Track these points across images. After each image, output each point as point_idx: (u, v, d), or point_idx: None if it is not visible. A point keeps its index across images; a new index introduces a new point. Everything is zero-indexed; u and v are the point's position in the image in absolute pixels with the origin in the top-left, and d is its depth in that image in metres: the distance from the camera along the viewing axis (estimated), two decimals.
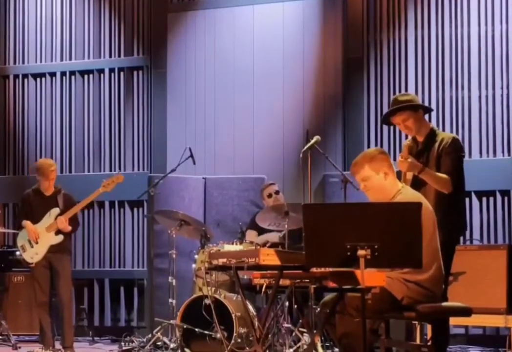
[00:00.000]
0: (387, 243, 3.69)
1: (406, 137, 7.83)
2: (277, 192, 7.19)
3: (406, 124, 5.08)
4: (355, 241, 3.68)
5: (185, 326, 6.36)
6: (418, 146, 5.13)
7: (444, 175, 4.87)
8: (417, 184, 4.94)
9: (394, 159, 7.66)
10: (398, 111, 5.07)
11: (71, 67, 9.00)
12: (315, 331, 4.61)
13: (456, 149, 4.99)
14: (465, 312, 4.41)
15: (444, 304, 4.34)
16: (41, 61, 9.15)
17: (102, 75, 8.91)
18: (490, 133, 7.56)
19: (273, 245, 6.65)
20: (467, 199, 7.35)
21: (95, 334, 8.05)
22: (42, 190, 6.85)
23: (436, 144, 5.00)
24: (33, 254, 6.75)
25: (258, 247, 6.14)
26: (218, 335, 6.10)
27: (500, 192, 7.40)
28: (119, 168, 8.73)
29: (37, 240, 6.73)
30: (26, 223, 6.80)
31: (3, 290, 7.94)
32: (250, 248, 6.08)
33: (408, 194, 4.36)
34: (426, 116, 5.27)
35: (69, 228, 6.71)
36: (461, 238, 7.46)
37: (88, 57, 8.98)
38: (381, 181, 4.36)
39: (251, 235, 7.11)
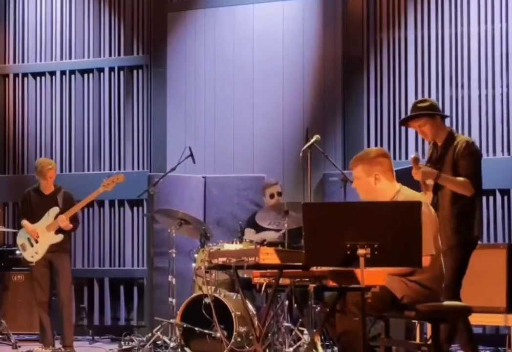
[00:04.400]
0: (387, 242, 3.69)
1: (406, 137, 7.85)
2: (279, 194, 7.20)
3: (422, 129, 5.23)
4: (355, 240, 3.68)
5: (185, 325, 6.36)
6: (438, 151, 5.24)
7: (462, 179, 4.97)
8: (437, 188, 5.07)
9: (394, 158, 7.70)
10: (415, 118, 5.22)
11: (71, 66, 8.99)
12: (314, 330, 4.62)
13: (471, 152, 5.09)
14: (465, 311, 4.41)
15: (444, 303, 4.35)
16: (41, 60, 9.15)
17: (102, 74, 8.91)
18: (490, 132, 7.56)
19: (270, 244, 6.66)
20: None
21: (95, 333, 8.05)
22: (42, 189, 6.86)
23: (451, 149, 5.10)
24: (33, 253, 6.76)
25: (258, 246, 6.15)
26: (218, 334, 6.10)
27: (500, 191, 7.40)
28: (119, 167, 8.73)
29: (37, 239, 6.74)
30: (25, 222, 6.81)
31: (3, 289, 7.94)
32: (250, 247, 6.10)
33: (409, 195, 4.37)
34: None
35: (70, 226, 6.71)
36: None
37: (88, 56, 8.97)
38: (370, 184, 4.38)
39: (249, 233, 7.11)
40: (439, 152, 5.20)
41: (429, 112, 5.20)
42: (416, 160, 5.03)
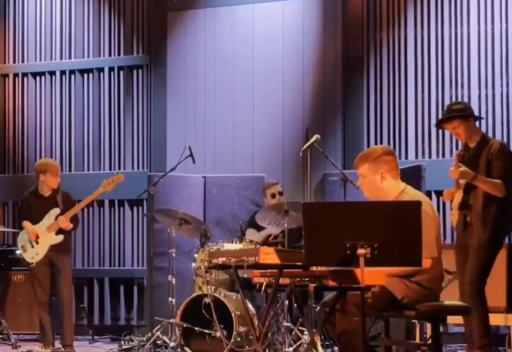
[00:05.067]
0: (387, 242, 3.69)
1: (406, 137, 7.84)
2: (280, 193, 7.19)
3: (456, 131, 5.38)
4: (355, 240, 3.68)
5: (184, 325, 6.36)
6: (469, 152, 5.36)
7: (496, 180, 5.14)
8: (470, 187, 5.22)
9: None
10: (449, 120, 5.36)
11: (71, 66, 8.99)
12: (314, 330, 4.62)
13: (505, 153, 5.25)
14: (465, 311, 4.41)
15: (444, 303, 4.35)
16: (40, 60, 9.14)
17: (101, 74, 8.91)
18: (490, 132, 7.55)
19: (277, 237, 6.71)
20: None
21: (95, 333, 8.04)
22: (41, 191, 6.84)
23: (485, 151, 5.25)
24: (33, 254, 6.76)
25: (258, 246, 6.15)
26: (218, 334, 6.10)
27: None
28: (119, 167, 8.73)
29: (37, 240, 6.74)
30: (26, 223, 6.81)
31: (3, 288, 7.93)
32: (249, 247, 6.10)
33: (413, 195, 4.37)
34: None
35: (71, 226, 6.72)
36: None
37: (88, 56, 8.97)
38: (376, 183, 4.38)
39: (251, 233, 7.11)
40: (472, 153, 5.33)
41: (462, 113, 5.33)
42: (459, 156, 5.13)
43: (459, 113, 5.34)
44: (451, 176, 5.21)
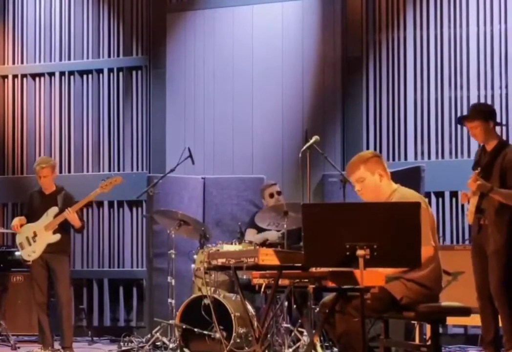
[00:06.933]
0: (386, 243, 3.69)
1: (405, 138, 7.84)
2: (279, 193, 7.20)
3: (474, 131, 5.41)
4: (354, 241, 3.68)
5: (184, 326, 6.36)
6: (486, 156, 5.38)
7: (511, 191, 5.18)
8: (484, 193, 5.26)
9: (393, 159, 7.71)
10: (470, 119, 5.40)
11: (70, 67, 8.99)
12: (314, 331, 4.62)
13: None
14: (464, 312, 4.41)
15: (443, 304, 4.35)
16: (40, 61, 9.14)
17: (101, 75, 8.90)
18: None
19: (272, 245, 6.67)
20: None
21: (94, 334, 8.04)
22: (43, 189, 6.87)
23: (500, 158, 5.27)
24: (30, 252, 6.75)
25: (257, 247, 6.15)
26: (217, 335, 6.10)
27: None
28: (118, 168, 8.73)
29: (35, 238, 6.72)
30: (16, 218, 6.83)
31: (2, 290, 7.93)
32: (249, 248, 6.09)
33: (406, 194, 4.39)
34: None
35: (78, 222, 6.70)
36: (460, 238, 7.49)
37: (87, 57, 8.97)
38: (376, 182, 4.42)
39: (250, 233, 7.11)
40: (487, 159, 5.35)
41: (483, 115, 5.34)
42: (479, 174, 5.18)
43: (481, 114, 5.35)
44: (469, 187, 5.23)
